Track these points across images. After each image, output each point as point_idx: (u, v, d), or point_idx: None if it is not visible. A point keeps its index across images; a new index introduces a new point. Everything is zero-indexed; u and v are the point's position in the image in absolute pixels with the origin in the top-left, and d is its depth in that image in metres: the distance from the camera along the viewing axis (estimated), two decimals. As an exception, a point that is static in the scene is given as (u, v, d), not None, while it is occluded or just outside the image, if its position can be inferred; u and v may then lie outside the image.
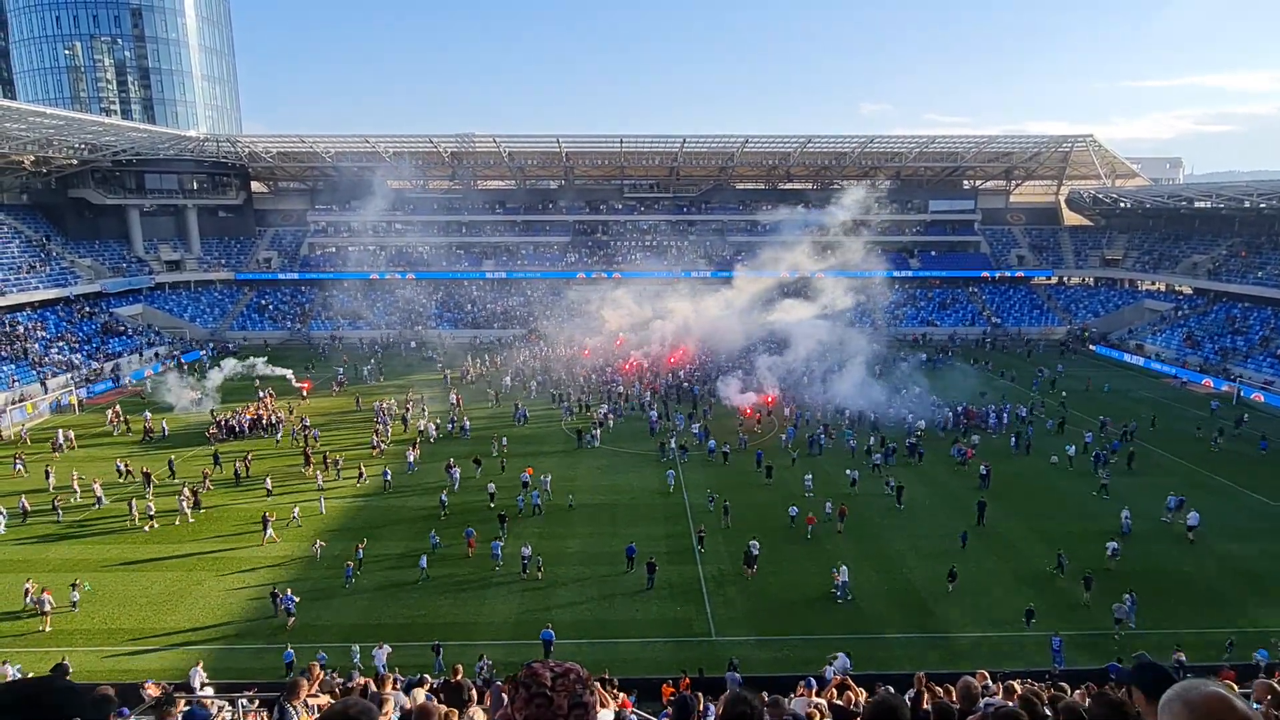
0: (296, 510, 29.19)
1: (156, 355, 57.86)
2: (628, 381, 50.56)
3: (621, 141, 68.50)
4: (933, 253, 75.51)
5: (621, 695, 12.44)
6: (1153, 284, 71.41)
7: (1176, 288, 68.07)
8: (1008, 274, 74.80)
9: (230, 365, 48.90)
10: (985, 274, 75.03)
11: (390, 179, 71.52)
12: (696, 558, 26.46)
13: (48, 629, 21.85)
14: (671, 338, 56.43)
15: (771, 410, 43.87)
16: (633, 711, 9.53)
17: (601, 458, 36.83)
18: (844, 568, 24.18)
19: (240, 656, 20.69)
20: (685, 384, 49.12)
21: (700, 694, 11.28)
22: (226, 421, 40.66)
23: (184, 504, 29.55)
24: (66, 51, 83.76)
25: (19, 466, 34.32)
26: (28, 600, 22.61)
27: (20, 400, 44.26)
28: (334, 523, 29.42)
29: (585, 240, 77.00)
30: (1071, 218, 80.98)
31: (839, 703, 9.70)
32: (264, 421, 41.11)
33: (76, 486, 31.66)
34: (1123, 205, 74.41)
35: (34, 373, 48.08)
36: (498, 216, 77.07)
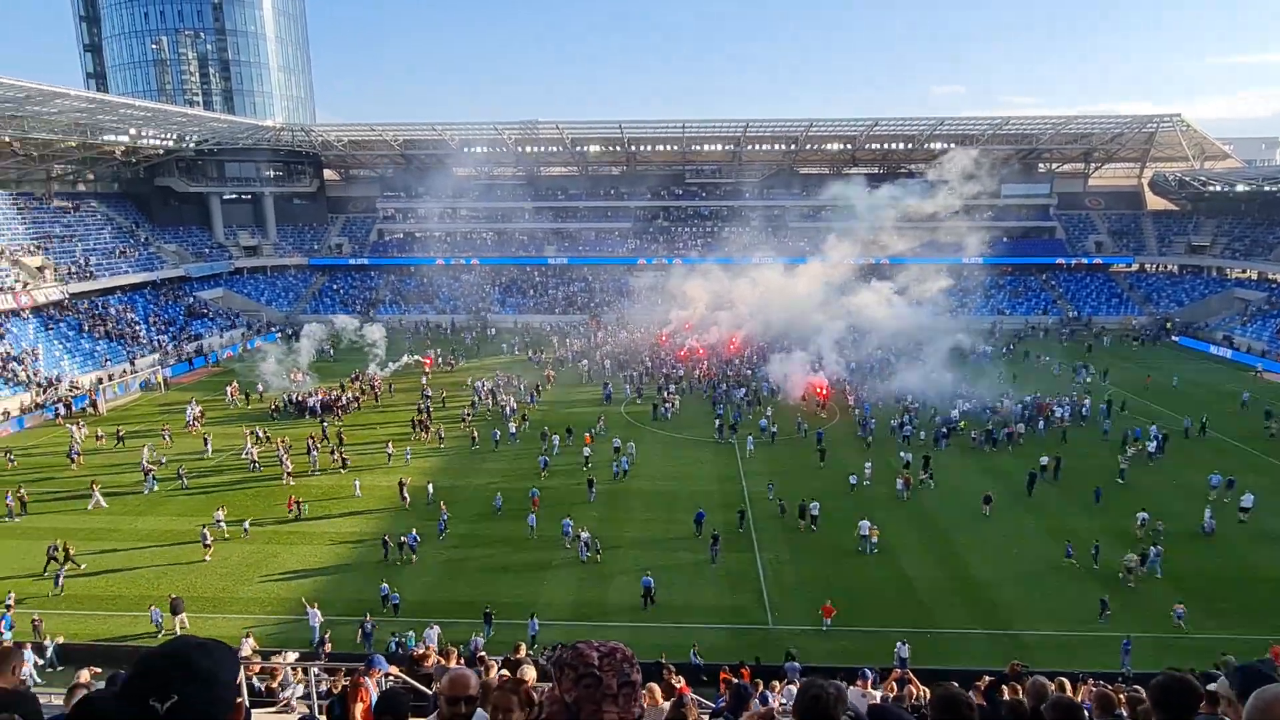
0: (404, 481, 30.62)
1: (244, 334, 60.57)
2: (688, 367, 50.78)
3: (684, 126, 68.14)
4: (1004, 239, 72.88)
5: (682, 680, 12.62)
6: (1243, 272, 67.38)
7: (1270, 276, 64.12)
8: (1084, 261, 71.71)
9: (376, 332, 52.48)
10: (1060, 261, 72.09)
11: (456, 166, 73.02)
12: (754, 545, 26.51)
13: (208, 559, 25.39)
14: (732, 324, 56.19)
15: (829, 398, 43.42)
16: (690, 697, 9.69)
17: (660, 444, 37.06)
18: (865, 522, 25.93)
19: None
20: (745, 370, 49.17)
21: (759, 681, 11.39)
22: (300, 400, 42.41)
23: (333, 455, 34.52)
24: (154, 45, 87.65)
25: (166, 438, 37.07)
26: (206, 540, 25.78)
27: (113, 378, 47.05)
28: (444, 487, 30.60)
29: (647, 226, 77.03)
30: (1155, 202, 76.97)
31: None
32: (339, 403, 42.58)
33: (249, 448, 35.17)
34: (1212, 188, 70.36)
35: (124, 352, 50.98)
36: (560, 203, 77.79)
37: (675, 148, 74.76)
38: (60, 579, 23.81)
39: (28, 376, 43.82)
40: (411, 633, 20.26)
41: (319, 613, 21.33)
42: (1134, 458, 33.70)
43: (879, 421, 38.66)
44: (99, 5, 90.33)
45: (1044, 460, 32.39)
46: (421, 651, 14.25)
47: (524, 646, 13.84)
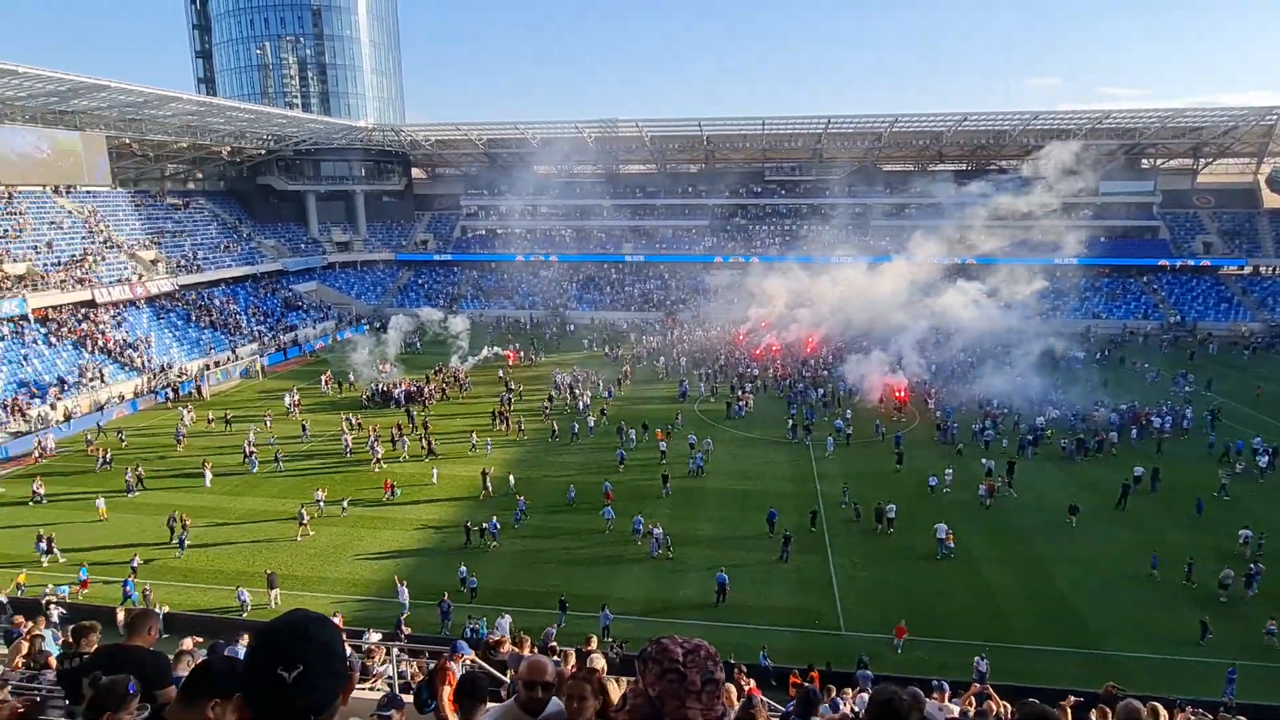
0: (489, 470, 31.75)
1: (334, 325, 63.48)
2: (763, 366, 50.42)
3: (764, 124, 67.49)
4: (1103, 239, 69.15)
5: (751, 682, 12.62)
6: (1375, 276, 62.00)
7: (1406, 281, 58.81)
8: (1190, 262, 67.31)
9: (460, 324, 55.21)
10: (1164, 263, 67.88)
11: (537, 164, 74.46)
12: (828, 549, 26.16)
13: (300, 538, 27.02)
14: (810, 323, 55.40)
15: (909, 401, 42.36)
16: (760, 699, 9.68)
17: (733, 443, 36.92)
18: (942, 526, 25.37)
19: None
20: (822, 370, 48.51)
21: (832, 686, 11.26)
22: (385, 390, 44.14)
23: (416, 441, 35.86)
24: (258, 51, 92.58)
25: (269, 421, 39.39)
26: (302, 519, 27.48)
27: (217, 365, 50.11)
28: (521, 478, 31.34)
29: (724, 224, 76.70)
30: (1273, 199, 71.56)
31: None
32: (422, 394, 44.08)
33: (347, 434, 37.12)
34: (1340, 186, 64.97)
35: (227, 341, 54.19)
36: (638, 201, 78.31)
37: (755, 145, 74.11)
38: (184, 543, 26.15)
39: (141, 362, 47.11)
40: (484, 619, 20.85)
41: (407, 590, 22.42)
42: (1239, 473, 31.64)
43: (961, 426, 37.51)
44: (210, 15, 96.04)
45: (1138, 471, 30.75)
46: (496, 638, 14.72)
47: (595, 639, 14.08)
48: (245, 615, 21.65)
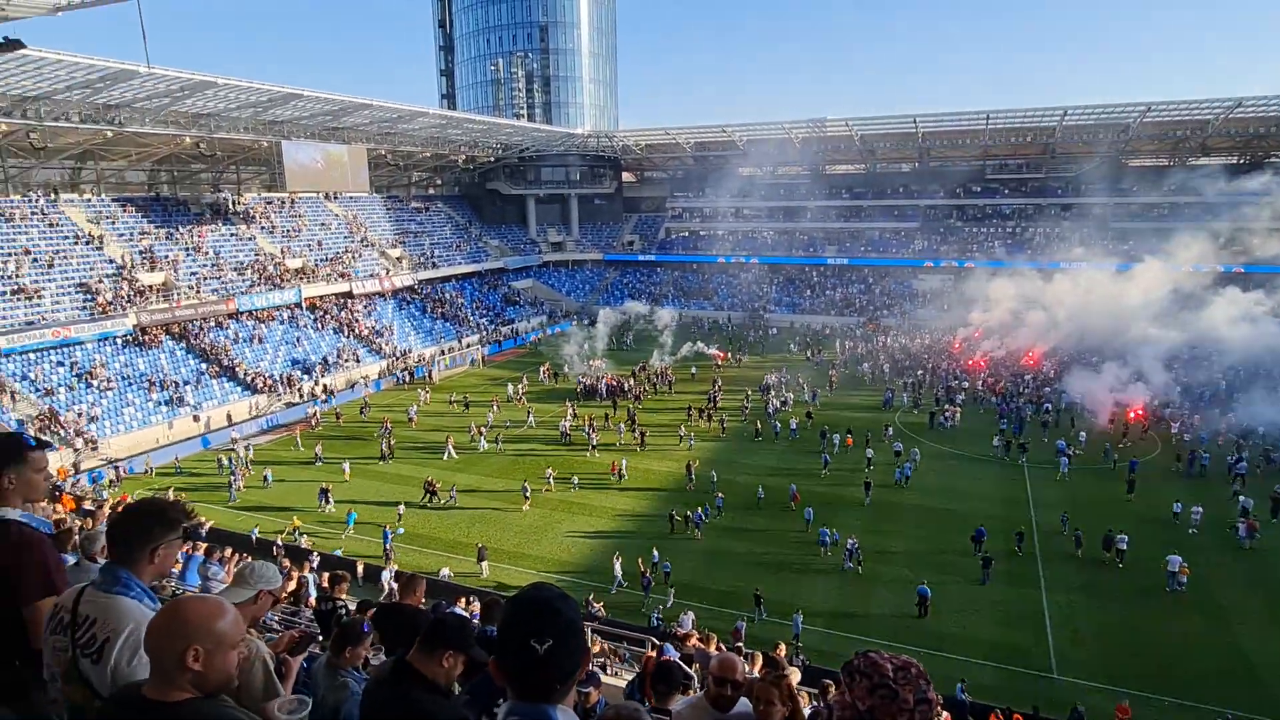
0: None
1: (545, 320, 68.19)
2: (974, 377, 47.13)
3: (988, 118, 62.68)
4: None
5: (946, 715, 12.05)
6: None
7: None
8: None
9: (667, 315, 59.07)
10: None
11: (742, 166, 74.70)
12: (1040, 579, 24.00)
13: (527, 508, 29.73)
14: (1033, 334, 50.63)
15: (1148, 424, 37.56)
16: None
17: (936, 457, 34.87)
18: (1175, 558, 22.97)
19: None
20: (1044, 387, 44.27)
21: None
22: (594, 384, 46.61)
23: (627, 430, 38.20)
24: (491, 67, 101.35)
25: (494, 407, 42.71)
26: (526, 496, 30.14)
27: (445, 353, 55.73)
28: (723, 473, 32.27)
29: (937, 226, 72.27)
30: None
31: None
32: (623, 387, 46.09)
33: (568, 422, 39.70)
34: None
35: (455, 331, 60.03)
36: (843, 201, 76.02)
37: (976, 141, 69.00)
38: (453, 494, 30.63)
39: (385, 348, 53.54)
40: (659, 609, 21.48)
41: (620, 564, 24.05)
42: None
43: (1213, 456, 32.67)
44: (454, 37, 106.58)
45: None
46: (683, 633, 15.20)
47: (784, 645, 14.09)
48: (449, 580, 23.92)
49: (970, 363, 49.97)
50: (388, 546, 26.05)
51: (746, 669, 4.09)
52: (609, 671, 12.33)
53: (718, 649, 12.88)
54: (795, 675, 7.67)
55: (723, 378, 47.59)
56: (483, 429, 38.21)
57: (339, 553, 25.62)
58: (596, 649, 13.19)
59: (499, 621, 2.02)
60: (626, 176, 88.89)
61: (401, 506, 29.04)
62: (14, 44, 16.53)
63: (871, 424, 38.38)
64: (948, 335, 56.49)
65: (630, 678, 12.36)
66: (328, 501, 30.07)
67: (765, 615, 21.73)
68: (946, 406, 40.82)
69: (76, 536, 6.97)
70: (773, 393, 43.87)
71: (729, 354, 54.56)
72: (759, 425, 38.93)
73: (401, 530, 27.78)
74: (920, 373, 48.56)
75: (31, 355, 37.51)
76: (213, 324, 46.56)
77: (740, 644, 19.89)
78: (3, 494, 3.29)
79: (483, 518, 29.52)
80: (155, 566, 2.89)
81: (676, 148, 77.47)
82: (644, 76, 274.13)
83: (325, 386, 46.09)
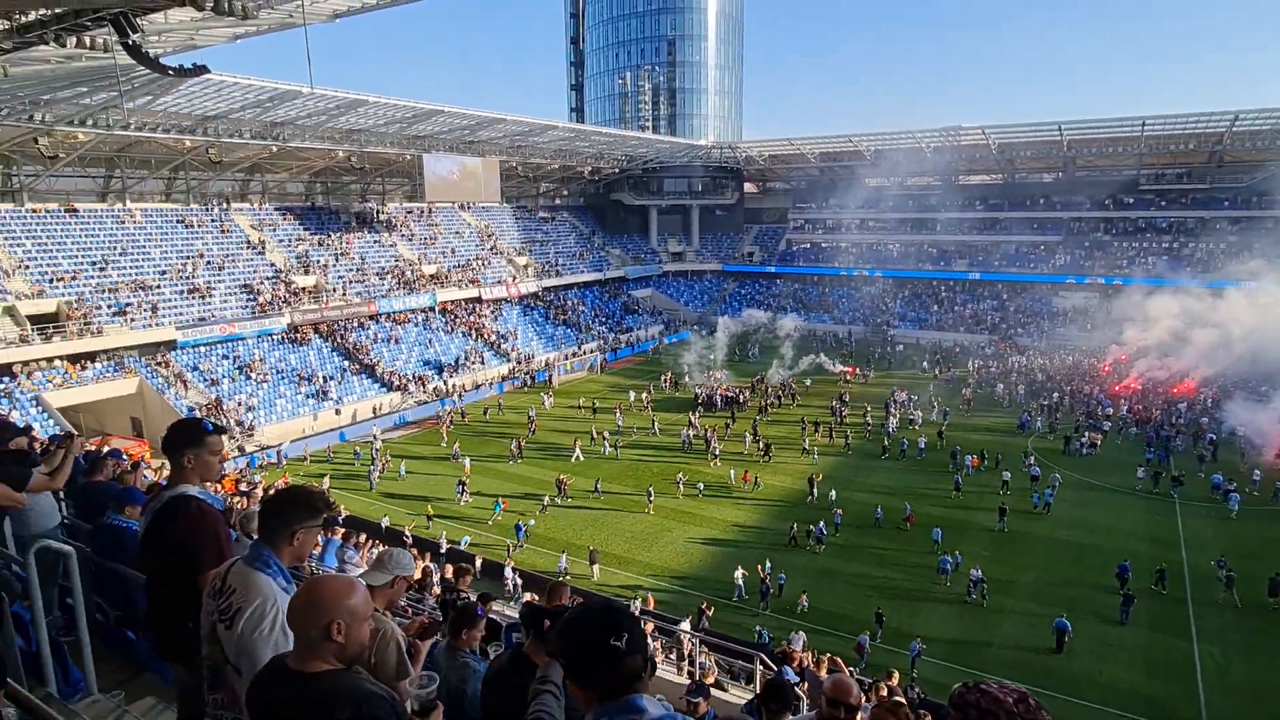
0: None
1: (662, 330, 68.86)
2: (1118, 403, 43.66)
3: (1144, 124, 57.88)
4: None
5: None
6: None
7: None
8: None
9: (790, 323, 59.81)
10: None
11: (868, 177, 72.54)
12: (1191, 628, 21.83)
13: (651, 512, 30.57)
14: (1195, 358, 46.17)
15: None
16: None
17: (1073, 488, 32.45)
18: None
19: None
20: (1201, 417, 40.26)
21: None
22: (710, 395, 46.55)
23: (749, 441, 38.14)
24: (619, 81, 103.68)
25: (617, 414, 43.40)
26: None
27: (566, 359, 57.27)
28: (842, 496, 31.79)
29: (1081, 240, 67.32)
30: None
31: None
32: (739, 399, 45.76)
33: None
34: None
35: (574, 338, 61.60)
36: (976, 214, 72.26)
37: (1128, 149, 63.91)
38: (597, 489, 32.34)
39: (509, 351, 55.67)
40: (765, 629, 21.06)
41: (742, 574, 24.02)
42: None
43: None
44: (584, 53, 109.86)
45: None
46: (790, 650, 14.89)
47: (897, 673, 13.54)
48: (564, 579, 24.53)
49: (1117, 387, 46.28)
50: (520, 540, 27.42)
51: (860, 694, 4.02)
52: (718, 686, 12.25)
53: (825, 671, 12.55)
54: (903, 703, 7.38)
55: (850, 393, 46.40)
56: (605, 433, 38.98)
57: (467, 540, 26.99)
58: (704, 659, 13.15)
59: (568, 638, 2.21)
60: (748, 187, 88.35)
61: (546, 498, 31.01)
62: (200, 69, 18.52)
63: (1003, 447, 36.51)
64: (1092, 357, 52.70)
65: (738, 693, 12.25)
66: (464, 494, 31.85)
67: (880, 638, 21.06)
68: (1086, 433, 37.99)
69: (235, 515, 7.70)
70: (894, 410, 42.30)
71: (857, 369, 53.16)
72: (885, 443, 37.78)
73: (533, 522, 29.05)
74: (1057, 396, 45.47)
75: (202, 349, 41.67)
76: (356, 324, 50.05)
77: (864, 662, 19.54)
78: (183, 472, 3.72)
79: (596, 520, 30.10)
80: (293, 549, 3.12)
81: (800, 158, 76.27)
82: (768, 87, 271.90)
83: (461, 386, 48.49)
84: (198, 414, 37.01)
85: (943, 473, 33.99)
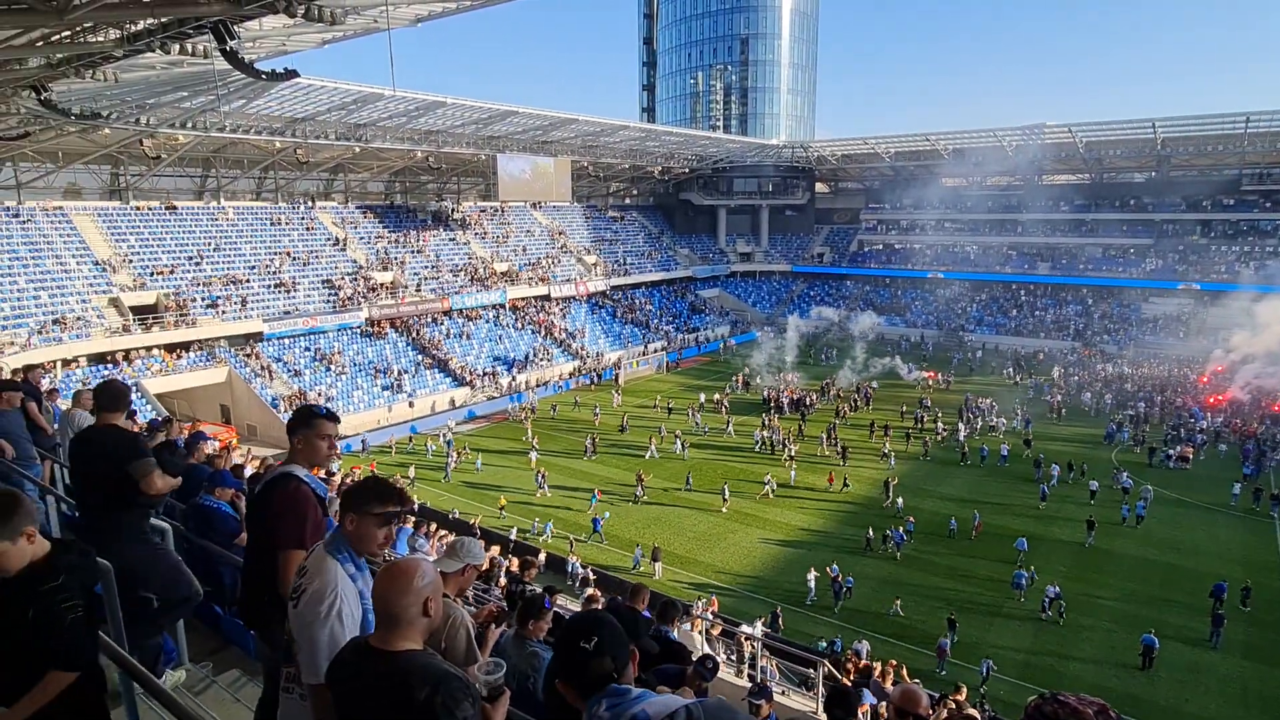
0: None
1: (729, 331, 68.48)
2: (1213, 416, 41.30)
3: (1247, 120, 54.37)
4: None
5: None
6: None
7: None
8: None
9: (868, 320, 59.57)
10: None
11: (946, 177, 70.45)
12: (1291, 661, 20.42)
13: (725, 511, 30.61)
14: None
15: None
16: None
17: (1160, 503, 30.76)
18: None
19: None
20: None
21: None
22: (777, 397, 46.05)
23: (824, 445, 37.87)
24: (691, 81, 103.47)
25: (693, 411, 43.64)
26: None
27: (635, 358, 57.53)
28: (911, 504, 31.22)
29: (1175, 243, 63.73)
30: None
31: None
32: (805, 401, 45.10)
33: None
34: None
35: (641, 336, 61.82)
36: (1062, 214, 69.29)
37: (1230, 148, 60.18)
38: (689, 483, 32.87)
39: (577, 349, 56.28)
40: (840, 638, 20.66)
41: (815, 578, 23.88)
42: None
43: None
44: (657, 52, 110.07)
45: None
46: (858, 661, 14.64)
47: (965, 689, 13.15)
48: (634, 576, 24.65)
49: (1212, 399, 43.69)
50: (597, 532, 28.11)
51: (929, 704, 3.94)
52: (781, 691, 12.14)
53: (889, 681, 12.29)
54: (977, 717, 7.16)
55: (931, 398, 45.30)
56: (678, 433, 39.16)
57: (542, 527, 27.96)
58: (764, 663, 13.05)
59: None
60: (820, 187, 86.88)
61: (639, 489, 31.77)
62: (291, 73, 19.37)
63: (1089, 458, 35.00)
64: (1186, 366, 50.14)
65: (800, 700, 12.11)
66: (544, 485, 32.62)
67: (953, 644, 20.55)
68: (1177, 446, 36.06)
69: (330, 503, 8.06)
70: (968, 416, 41.03)
71: (938, 374, 51.86)
72: (965, 449, 36.79)
73: (608, 515, 29.46)
74: (1144, 406, 43.23)
75: (286, 341, 43.60)
76: (429, 320, 51.48)
77: (943, 667, 19.61)
78: (294, 453, 3.93)
79: (660, 519, 30.13)
80: (351, 533, 3.09)
81: (874, 158, 74.57)
82: (844, 86, 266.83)
83: (535, 382, 49.43)
84: (283, 404, 38.77)
85: (1026, 482, 32.88)
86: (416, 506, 25.69)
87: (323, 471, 4.49)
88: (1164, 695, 19.10)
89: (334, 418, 3.98)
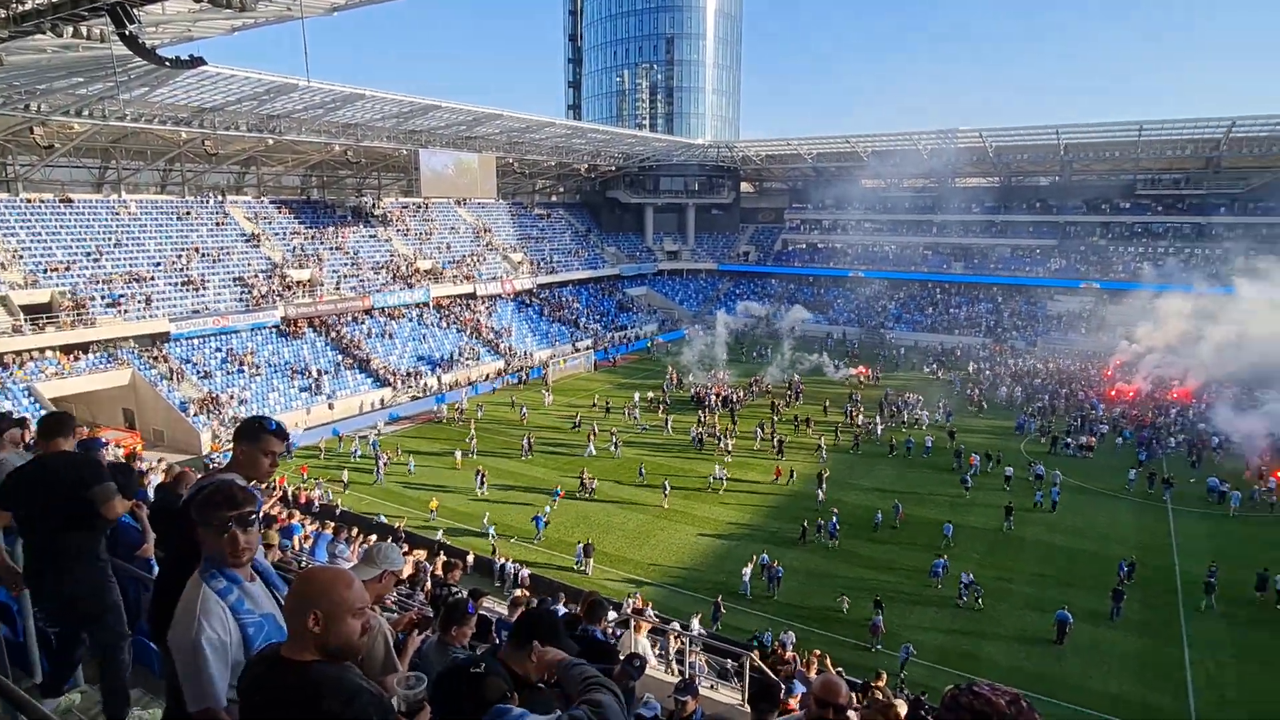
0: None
1: (655, 329, 68.85)
2: (1110, 407, 44.06)
3: (1140, 130, 58.15)
4: None
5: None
6: None
7: None
8: None
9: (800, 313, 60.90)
10: None
11: (866, 178, 72.69)
12: (1183, 636, 21.90)
13: (666, 506, 30.03)
14: (1194, 364, 46.36)
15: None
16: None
17: (1066, 491, 32.49)
18: None
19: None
20: (1197, 423, 40.45)
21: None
22: (705, 394, 46.51)
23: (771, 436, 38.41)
24: (617, 79, 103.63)
25: (627, 414, 43.58)
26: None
27: (559, 357, 57.18)
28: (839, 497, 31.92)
29: (1078, 244, 67.64)
30: None
31: None
32: (731, 399, 45.71)
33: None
34: None
35: (569, 335, 61.53)
36: (972, 216, 72.52)
37: (1125, 154, 64.19)
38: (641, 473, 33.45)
39: (504, 348, 55.58)
40: (769, 631, 21.04)
41: (750, 570, 24.18)
42: None
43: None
44: (582, 49, 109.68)
45: None
46: (781, 652, 14.94)
47: (884, 675, 13.59)
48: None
49: (1112, 392, 46.57)
50: (540, 534, 27.83)
51: (850, 694, 4.01)
52: (710, 685, 12.25)
53: (814, 670, 12.59)
54: (901, 707, 7.38)
55: (861, 394, 46.61)
56: (613, 431, 39.12)
57: (491, 529, 27.51)
58: (693, 658, 13.15)
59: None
60: (745, 187, 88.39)
61: (586, 485, 31.78)
62: (197, 61, 18.41)
63: (1003, 448, 37.04)
64: (1088, 361, 53.24)
65: (729, 694, 12.25)
66: (483, 485, 32.23)
67: (883, 626, 21.34)
68: (1081, 436, 38.31)
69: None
70: (888, 412, 42.51)
71: (868, 369, 53.41)
72: (892, 441, 38.14)
73: (550, 509, 29.35)
74: (1049, 399, 45.71)
75: (195, 341, 41.51)
76: (350, 319, 49.89)
77: (879, 643, 20.57)
78: (234, 463, 3.77)
79: (589, 516, 30.03)
80: (206, 545, 3.07)
81: (797, 158, 76.32)
82: (766, 86, 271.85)
83: (463, 381, 48.40)
84: (193, 407, 36.92)
85: (948, 472, 34.37)
86: (262, 505, 24.74)
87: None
88: (1070, 673, 20.20)
89: (282, 434, 3.83)
